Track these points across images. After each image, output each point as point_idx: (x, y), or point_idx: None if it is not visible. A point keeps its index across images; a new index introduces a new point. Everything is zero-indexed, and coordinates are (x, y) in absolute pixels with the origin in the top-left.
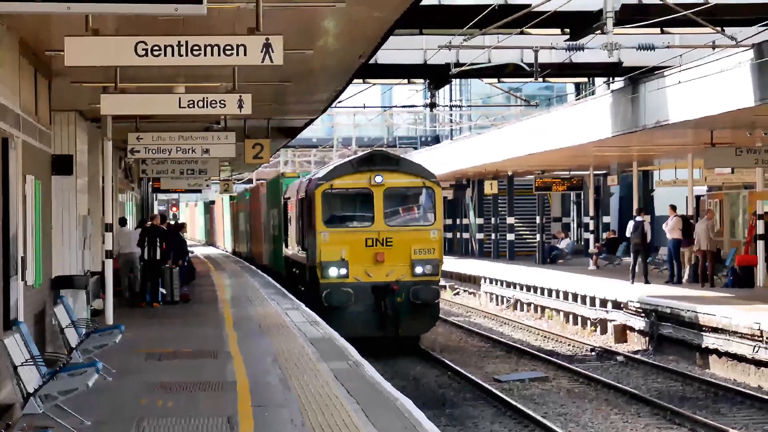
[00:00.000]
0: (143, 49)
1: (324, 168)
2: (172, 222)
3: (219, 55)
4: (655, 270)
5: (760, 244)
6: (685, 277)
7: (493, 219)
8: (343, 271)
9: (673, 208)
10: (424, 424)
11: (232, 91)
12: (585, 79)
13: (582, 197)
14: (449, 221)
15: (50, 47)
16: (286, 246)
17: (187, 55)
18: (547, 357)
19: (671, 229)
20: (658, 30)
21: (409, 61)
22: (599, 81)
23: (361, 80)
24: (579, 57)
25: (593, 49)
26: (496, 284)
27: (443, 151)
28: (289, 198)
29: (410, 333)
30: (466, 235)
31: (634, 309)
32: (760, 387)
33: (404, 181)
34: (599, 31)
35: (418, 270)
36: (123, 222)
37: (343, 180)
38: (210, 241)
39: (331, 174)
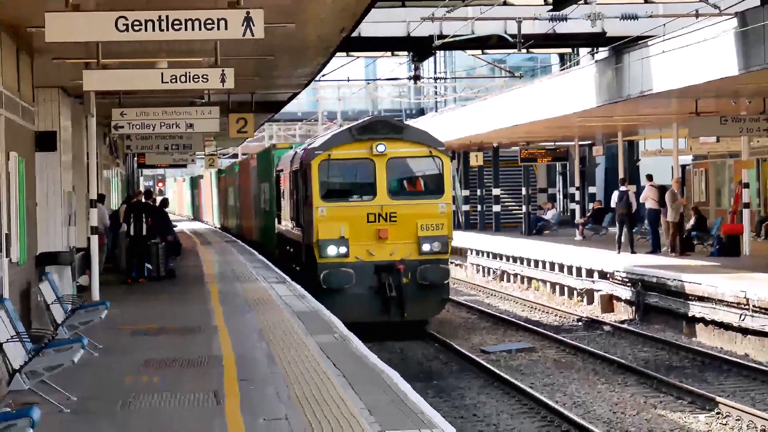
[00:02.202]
0: (124, 25)
1: (320, 137)
2: (158, 198)
3: (200, 29)
4: (641, 240)
5: (746, 212)
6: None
7: (478, 191)
8: (343, 249)
9: (649, 177)
10: (410, 396)
11: (215, 65)
12: (569, 50)
13: (567, 168)
14: None
15: (31, 24)
16: (279, 222)
17: (167, 29)
18: (533, 328)
19: (643, 199)
20: None
21: (392, 33)
22: (583, 51)
23: (344, 53)
24: (562, 27)
25: (576, 20)
26: (483, 256)
27: (428, 124)
28: (281, 170)
29: (417, 317)
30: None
31: (621, 279)
32: (746, 355)
33: (409, 150)
34: (582, 1)
35: (426, 247)
36: (101, 199)
37: (341, 150)
38: (197, 216)
39: (328, 143)
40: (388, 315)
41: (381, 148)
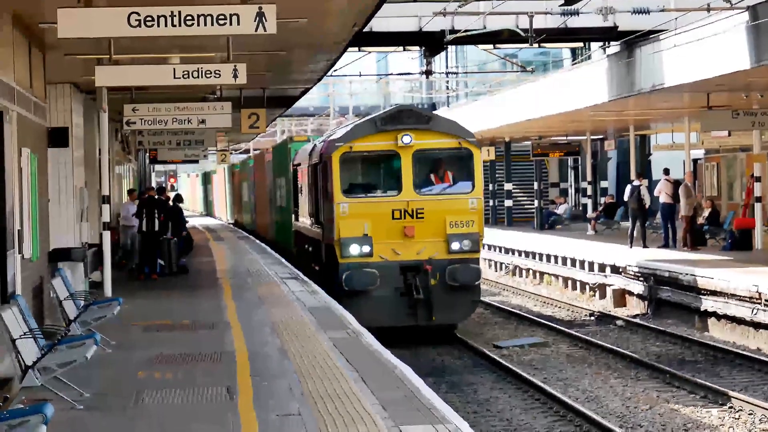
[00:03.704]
0: (136, 20)
1: (341, 128)
2: (171, 194)
3: (212, 24)
4: (654, 234)
5: (758, 206)
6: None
7: (490, 185)
8: (366, 248)
9: (665, 171)
10: (423, 392)
11: (227, 60)
12: (581, 44)
13: (579, 162)
14: None
15: (43, 20)
16: (296, 219)
17: (180, 25)
18: (546, 322)
19: (657, 193)
20: None
21: (404, 28)
22: (595, 46)
23: (356, 48)
24: (574, 22)
25: (588, 14)
26: (495, 251)
27: None
28: (299, 164)
29: (446, 321)
30: None
31: (633, 273)
32: (759, 349)
33: (437, 141)
34: None
35: (455, 246)
36: (130, 194)
37: (364, 141)
38: (210, 212)
39: (350, 134)
40: (415, 318)
41: (407, 139)
